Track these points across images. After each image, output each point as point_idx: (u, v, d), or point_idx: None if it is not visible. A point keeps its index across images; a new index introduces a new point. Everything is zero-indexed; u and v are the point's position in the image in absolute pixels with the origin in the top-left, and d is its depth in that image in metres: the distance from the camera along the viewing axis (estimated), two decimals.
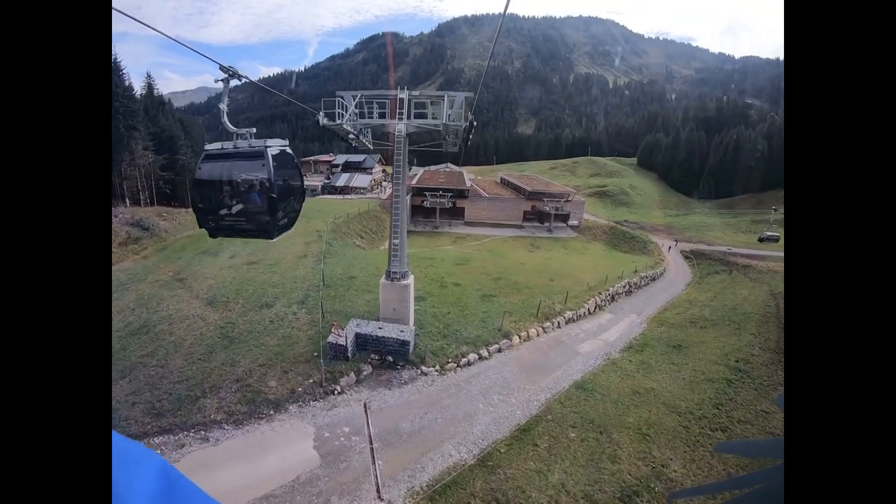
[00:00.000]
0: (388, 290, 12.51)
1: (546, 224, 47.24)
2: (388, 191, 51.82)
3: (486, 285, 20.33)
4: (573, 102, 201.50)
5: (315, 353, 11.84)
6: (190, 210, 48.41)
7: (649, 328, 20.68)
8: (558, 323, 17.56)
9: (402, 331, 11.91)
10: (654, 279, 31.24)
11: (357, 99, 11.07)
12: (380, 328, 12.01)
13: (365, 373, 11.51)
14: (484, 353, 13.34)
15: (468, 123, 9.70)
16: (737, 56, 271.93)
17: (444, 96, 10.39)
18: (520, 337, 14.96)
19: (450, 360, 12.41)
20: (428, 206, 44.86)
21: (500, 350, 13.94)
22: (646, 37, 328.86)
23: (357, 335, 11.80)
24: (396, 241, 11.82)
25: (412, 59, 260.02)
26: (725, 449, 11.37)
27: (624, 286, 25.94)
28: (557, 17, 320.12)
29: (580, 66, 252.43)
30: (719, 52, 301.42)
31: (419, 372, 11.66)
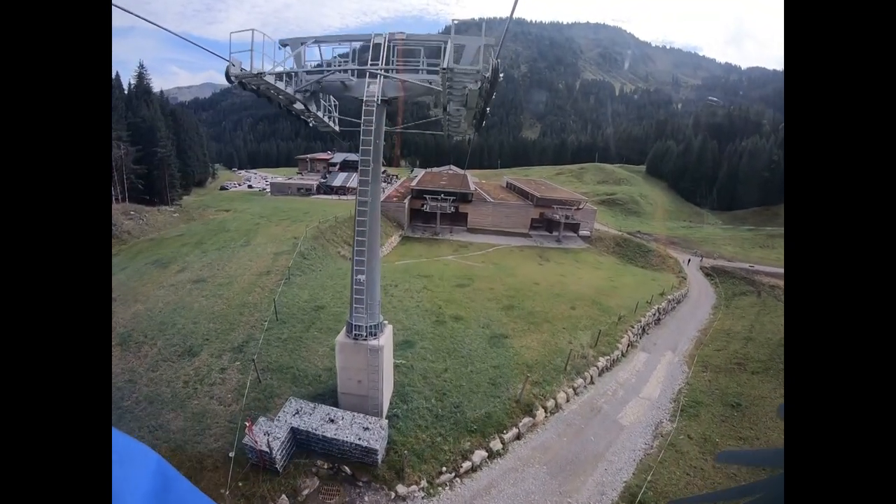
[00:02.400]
0: (350, 355, 7.68)
1: (555, 233, 43.42)
2: (388, 191, 47.32)
3: (495, 319, 15.86)
4: (579, 108, 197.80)
5: (231, 454, 7.39)
6: (162, 208, 44.18)
7: (693, 374, 17.09)
8: (591, 377, 13.16)
9: (366, 428, 7.21)
10: (679, 301, 28.07)
11: (307, 44, 6.69)
12: (331, 419, 7.32)
13: (306, 492, 7.00)
14: (496, 444, 8.76)
15: (489, 78, 5.27)
16: (743, 67, 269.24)
17: (447, 41, 5.97)
18: (545, 409, 10.42)
19: (444, 467, 7.78)
20: (428, 210, 40.67)
21: (518, 436, 9.36)
22: (652, 45, 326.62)
23: (294, 432, 7.25)
24: (362, 278, 7.22)
25: None
26: (727, 458, 9.00)
27: (653, 314, 22.45)
28: (565, 22, 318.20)
29: (586, 72, 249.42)
30: (726, 62, 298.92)
31: (393, 496, 7.09)
